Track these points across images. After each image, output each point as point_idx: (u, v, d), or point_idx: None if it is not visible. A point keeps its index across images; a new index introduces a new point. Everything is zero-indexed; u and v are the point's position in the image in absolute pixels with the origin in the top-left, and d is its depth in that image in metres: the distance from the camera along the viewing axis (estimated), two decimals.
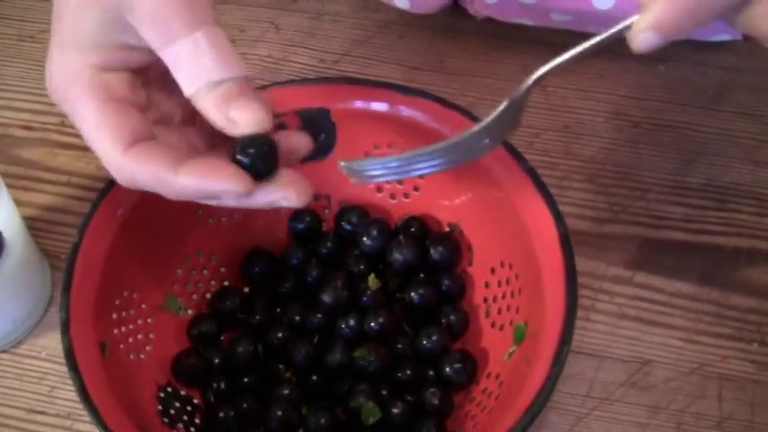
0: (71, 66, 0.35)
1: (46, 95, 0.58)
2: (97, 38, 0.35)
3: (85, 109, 0.35)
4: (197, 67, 0.33)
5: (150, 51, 0.35)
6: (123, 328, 0.42)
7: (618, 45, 0.59)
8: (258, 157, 0.34)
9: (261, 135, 0.34)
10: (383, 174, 0.36)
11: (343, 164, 0.36)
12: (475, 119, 0.45)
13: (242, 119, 0.33)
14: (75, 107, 0.35)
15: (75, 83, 0.35)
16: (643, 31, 0.34)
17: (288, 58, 0.60)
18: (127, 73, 0.36)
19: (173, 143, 0.37)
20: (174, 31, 0.33)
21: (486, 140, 0.35)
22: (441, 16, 0.60)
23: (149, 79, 0.37)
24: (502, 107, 0.35)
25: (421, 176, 0.39)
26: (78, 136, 0.56)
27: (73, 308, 0.39)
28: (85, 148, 0.56)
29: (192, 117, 0.38)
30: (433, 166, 0.36)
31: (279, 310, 0.46)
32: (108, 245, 0.41)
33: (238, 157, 0.34)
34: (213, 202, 0.35)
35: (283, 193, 0.34)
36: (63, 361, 0.46)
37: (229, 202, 0.35)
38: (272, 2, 0.63)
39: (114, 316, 0.42)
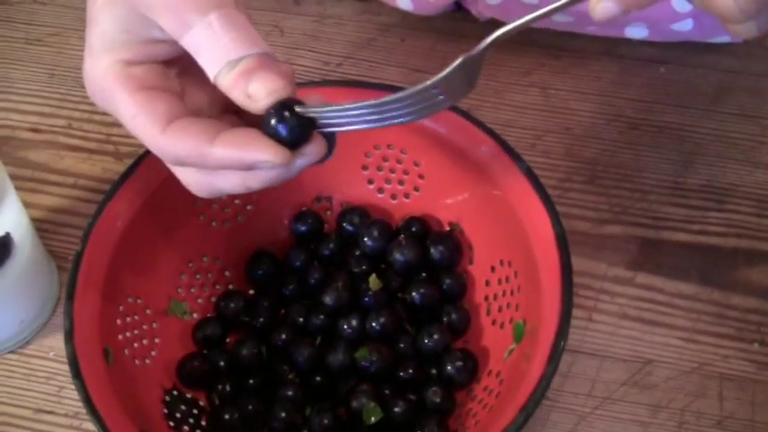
0: (102, 64, 0.36)
1: (53, 98, 0.60)
2: (123, 36, 0.36)
3: (119, 101, 0.35)
4: (215, 49, 0.34)
5: (176, 43, 0.35)
6: (128, 334, 0.42)
7: (618, 48, 0.59)
8: (292, 127, 0.33)
9: (287, 103, 0.34)
10: (338, 123, 0.35)
11: (298, 109, 0.35)
12: (471, 118, 0.45)
13: (260, 91, 0.33)
14: (112, 102, 0.36)
15: (106, 79, 0.36)
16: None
17: (292, 61, 0.61)
18: (157, 64, 0.37)
19: None
20: (189, 18, 0.34)
21: (441, 97, 0.35)
22: (443, 19, 0.60)
23: (183, 70, 0.37)
24: (456, 63, 0.35)
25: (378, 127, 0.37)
26: (85, 138, 0.58)
27: (76, 316, 0.39)
28: (91, 151, 0.58)
29: (228, 108, 0.38)
30: (389, 119, 0.35)
31: (282, 311, 0.47)
32: (111, 252, 0.42)
33: (269, 126, 0.33)
34: (254, 182, 0.35)
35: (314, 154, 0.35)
36: None
37: (269, 174, 0.35)
38: (276, 5, 0.64)
39: (119, 322, 0.42)
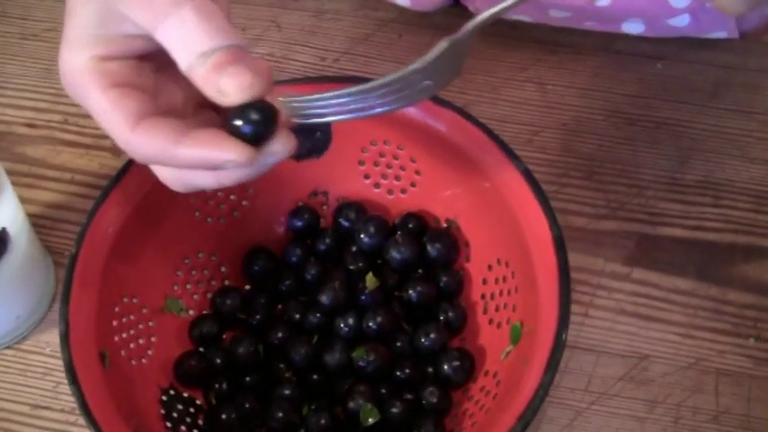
0: (77, 59, 0.36)
1: (49, 93, 0.60)
2: (97, 30, 0.35)
3: (92, 98, 0.35)
4: (186, 42, 0.33)
5: (151, 38, 0.35)
6: (124, 335, 0.42)
7: (615, 43, 0.59)
8: (252, 124, 0.33)
9: (255, 101, 0.33)
10: (320, 113, 0.34)
11: (281, 99, 0.34)
12: (469, 116, 0.45)
13: (230, 86, 0.33)
14: (85, 97, 0.36)
15: (81, 74, 0.35)
16: None
17: (289, 56, 0.61)
18: (132, 60, 0.36)
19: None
20: (162, 11, 0.33)
21: (428, 82, 0.34)
22: (440, 15, 0.60)
23: (159, 66, 0.37)
24: (441, 48, 0.34)
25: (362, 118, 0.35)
26: (81, 134, 0.58)
27: (72, 319, 0.39)
28: (88, 146, 0.57)
29: (205, 103, 0.37)
30: (373, 107, 0.34)
31: (279, 307, 0.47)
32: (107, 252, 0.42)
33: (230, 124, 0.33)
34: (226, 180, 0.35)
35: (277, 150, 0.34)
36: None
37: (238, 172, 0.34)
38: (274, 0, 0.64)
39: (115, 323, 0.42)
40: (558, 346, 0.38)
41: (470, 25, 0.34)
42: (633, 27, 0.57)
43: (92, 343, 0.40)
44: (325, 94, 0.34)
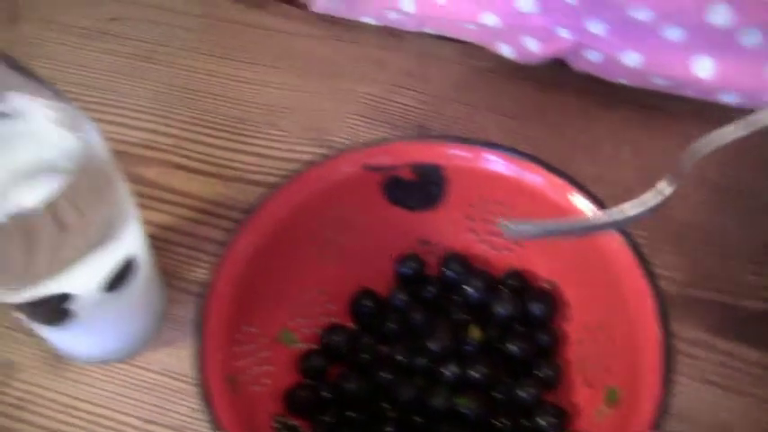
0: None
1: (158, 115, 0.63)
2: None
3: None
4: None
5: None
6: (243, 361, 0.45)
7: (708, 111, 0.61)
8: None
9: None
10: (543, 237, 0.40)
11: (512, 227, 0.38)
12: (573, 181, 0.47)
13: None
14: None
15: None
16: None
17: (391, 97, 0.63)
18: None
19: None
20: None
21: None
22: (542, 69, 0.62)
23: None
24: (667, 193, 0.39)
25: None
26: (191, 158, 0.61)
27: (205, 343, 0.42)
28: (198, 171, 0.60)
29: None
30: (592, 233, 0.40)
31: (384, 348, 0.49)
32: (236, 283, 0.44)
33: None
34: None
35: None
36: (176, 376, 0.50)
37: None
38: (381, 41, 0.66)
39: (237, 349, 0.44)
40: (660, 413, 0.40)
41: (688, 162, 0.38)
42: (731, 98, 0.59)
43: (220, 367, 0.42)
44: (556, 227, 0.40)
